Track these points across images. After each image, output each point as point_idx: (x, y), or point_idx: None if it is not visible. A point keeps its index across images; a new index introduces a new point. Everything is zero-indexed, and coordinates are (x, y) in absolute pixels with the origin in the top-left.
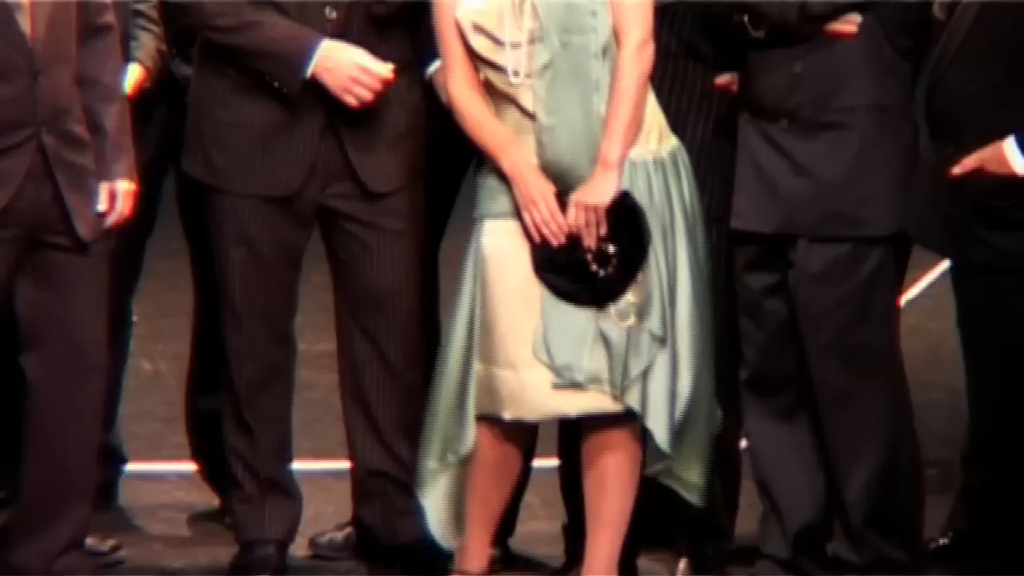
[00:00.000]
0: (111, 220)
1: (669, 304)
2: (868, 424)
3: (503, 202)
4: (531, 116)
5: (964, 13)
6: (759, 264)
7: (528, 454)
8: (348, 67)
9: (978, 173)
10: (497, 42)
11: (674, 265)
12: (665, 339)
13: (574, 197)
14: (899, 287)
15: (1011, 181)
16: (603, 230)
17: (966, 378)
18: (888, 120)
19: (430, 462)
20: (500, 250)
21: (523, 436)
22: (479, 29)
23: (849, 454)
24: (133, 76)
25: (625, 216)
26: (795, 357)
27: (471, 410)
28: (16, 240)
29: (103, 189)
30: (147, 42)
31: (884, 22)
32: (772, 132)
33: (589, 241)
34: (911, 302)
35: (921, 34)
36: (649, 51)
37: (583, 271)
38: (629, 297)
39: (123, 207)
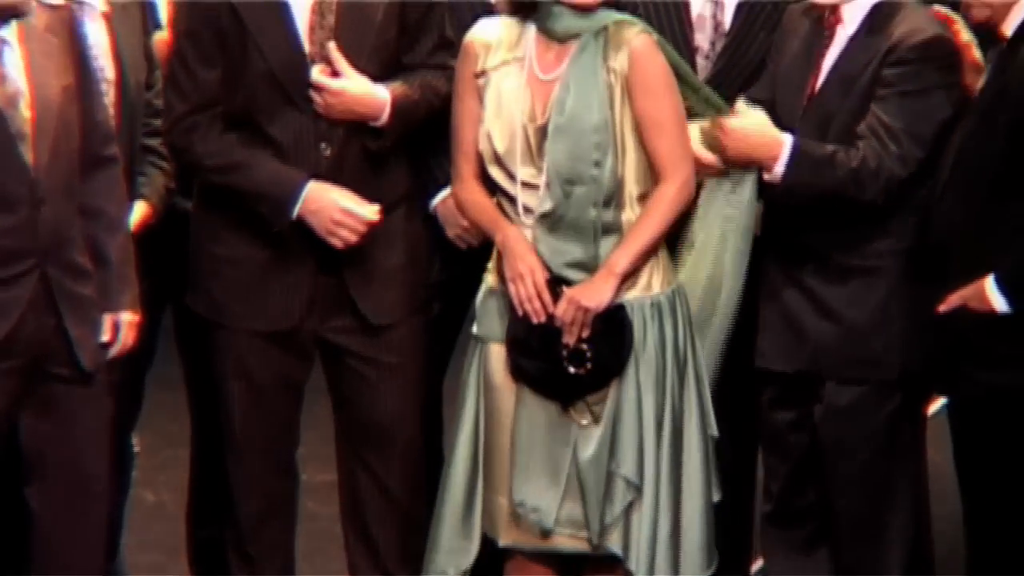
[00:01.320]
0: (114, 351)
1: (656, 448)
2: (890, 557)
3: (497, 321)
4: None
5: (952, 145)
6: (783, 400)
7: None
8: (333, 210)
9: (963, 310)
10: (510, 175)
11: (661, 413)
12: (640, 486)
13: (569, 292)
14: (924, 419)
15: (996, 318)
16: (586, 332)
17: (963, 510)
18: (916, 262)
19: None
20: (505, 378)
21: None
22: (497, 159)
23: None
24: (139, 213)
25: (612, 327)
26: (817, 489)
27: (477, 524)
28: (18, 371)
29: (106, 320)
30: (155, 179)
31: None
32: (799, 275)
33: (569, 339)
34: None
35: None
36: (690, 190)
37: (554, 363)
38: (590, 399)
39: (126, 338)
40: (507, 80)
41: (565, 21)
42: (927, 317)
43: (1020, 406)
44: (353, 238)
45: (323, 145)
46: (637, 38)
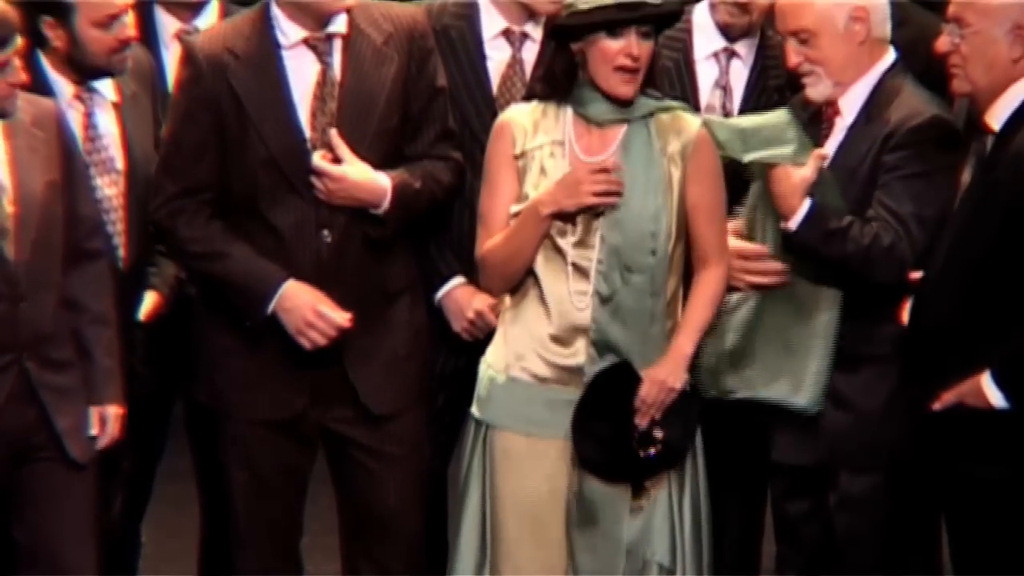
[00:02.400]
0: (102, 443)
1: (681, 530)
2: None
3: (511, 409)
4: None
5: (943, 237)
6: (797, 491)
7: None
8: (306, 310)
9: (958, 407)
10: (556, 248)
11: (679, 501)
12: (674, 571)
13: (652, 374)
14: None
15: (990, 416)
16: (658, 414)
17: None
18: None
19: None
20: (513, 464)
21: None
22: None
23: None
24: (149, 303)
25: (681, 409)
26: None
27: None
28: (4, 461)
29: (93, 413)
30: (165, 268)
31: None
32: None
33: (642, 420)
34: None
35: None
36: (728, 277)
37: (623, 447)
38: (652, 484)
39: (113, 430)
40: (550, 161)
41: (604, 109)
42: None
43: (1015, 502)
44: (322, 340)
45: (324, 232)
46: (697, 127)
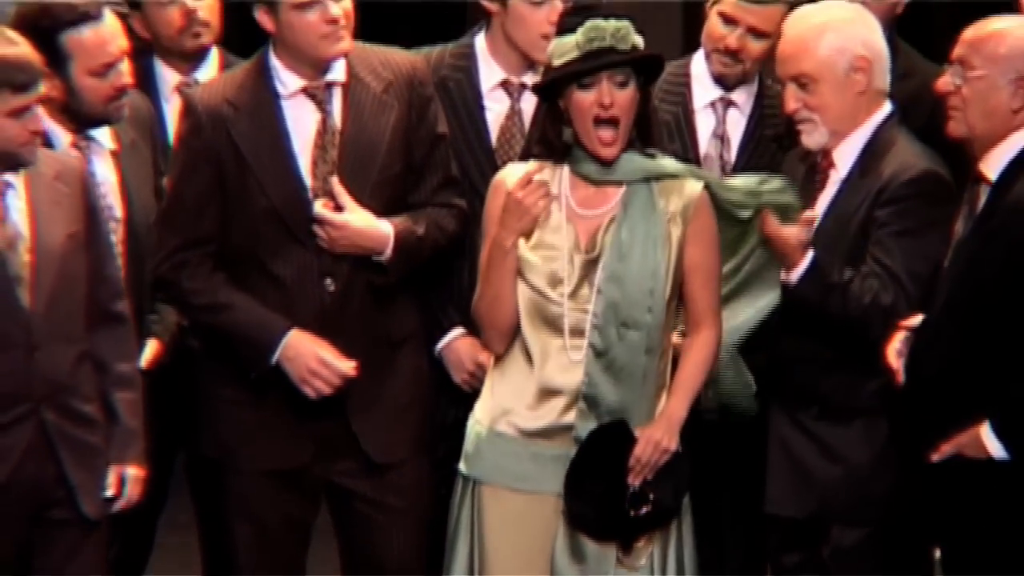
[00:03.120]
0: (119, 505)
1: None
2: None
3: (497, 464)
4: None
5: (939, 287)
6: (791, 543)
7: None
8: (310, 358)
9: (957, 458)
10: (548, 300)
11: (663, 559)
12: None
13: (647, 433)
14: (932, 560)
15: (988, 470)
16: (650, 475)
17: None
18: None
19: None
20: (501, 519)
21: None
22: (531, 286)
23: None
24: (150, 351)
25: (672, 469)
26: None
27: None
28: (21, 517)
29: (112, 472)
30: (166, 316)
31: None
32: (803, 419)
33: (634, 480)
34: None
35: None
36: (721, 340)
37: (614, 506)
38: (641, 543)
39: (131, 493)
40: (545, 216)
41: (595, 169)
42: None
43: (1015, 555)
44: (327, 389)
45: (327, 281)
46: (700, 190)
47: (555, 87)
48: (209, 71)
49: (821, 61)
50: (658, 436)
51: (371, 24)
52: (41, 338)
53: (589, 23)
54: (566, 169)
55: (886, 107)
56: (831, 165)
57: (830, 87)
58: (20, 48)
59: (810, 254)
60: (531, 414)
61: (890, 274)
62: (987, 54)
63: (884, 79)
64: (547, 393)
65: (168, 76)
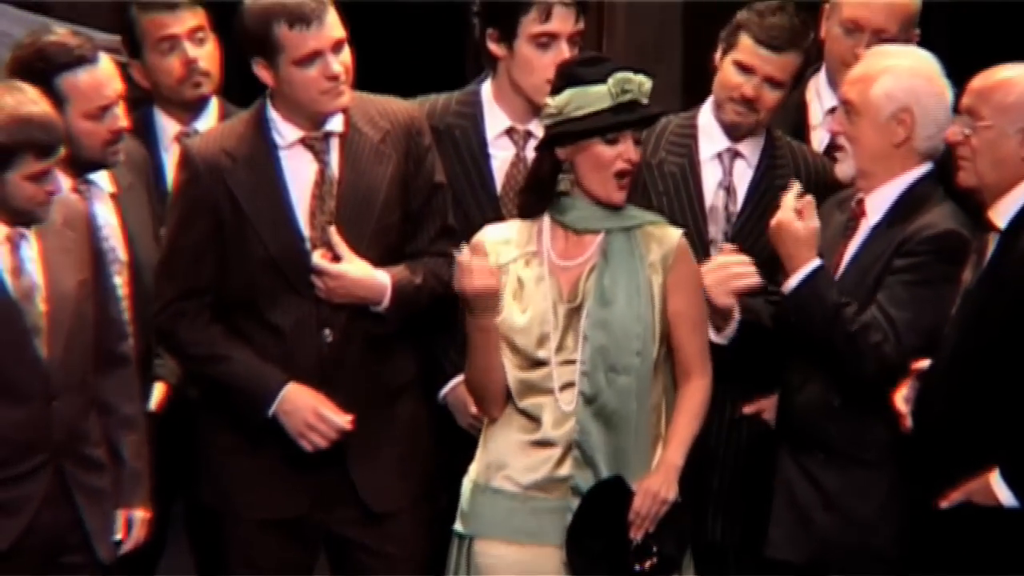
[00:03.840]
0: (127, 547)
1: None
2: None
3: (495, 520)
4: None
5: (947, 334)
6: None
7: None
8: (307, 412)
9: (967, 505)
10: (532, 358)
11: None
12: None
13: (645, 486)
14: None
15: (998, 518)
16: (651, 527)
17: None
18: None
19: None
20: (500, 572)
21: None
22: (515, 349)
23: None
24: (158, 393)
25: (674, 520)
26: None
27: None
28: (36, 564)
29: (120, 516)
30: (171, 361)
31: None
32: (808, 464)
33: (636, 533)
34: None
35: None
36: (712, 387)
37: (618, 561)
38: None
39: (138, 534)
40: (527, 270)
41: (588, 216)
42: (924, 512)
43: None
44: (323, 443)
45: (325, 331)
46: (679, 238)
47: (569, 137)
48: (209, 121)
49: (869, 98)
50: (656, 487)
51: (370, 71)
52: (57, 388)
53: (620, 75)
54: (545, 223)
55: (925, 166)
56: (863, 213)
57: (869, 126)
58: (44, 108)
59: (817, 259)
60: (526, 468)
61: (886, 316)
62: (995, 104)
63: (930, 142)
64: (541, 445)
65: (168, 126)
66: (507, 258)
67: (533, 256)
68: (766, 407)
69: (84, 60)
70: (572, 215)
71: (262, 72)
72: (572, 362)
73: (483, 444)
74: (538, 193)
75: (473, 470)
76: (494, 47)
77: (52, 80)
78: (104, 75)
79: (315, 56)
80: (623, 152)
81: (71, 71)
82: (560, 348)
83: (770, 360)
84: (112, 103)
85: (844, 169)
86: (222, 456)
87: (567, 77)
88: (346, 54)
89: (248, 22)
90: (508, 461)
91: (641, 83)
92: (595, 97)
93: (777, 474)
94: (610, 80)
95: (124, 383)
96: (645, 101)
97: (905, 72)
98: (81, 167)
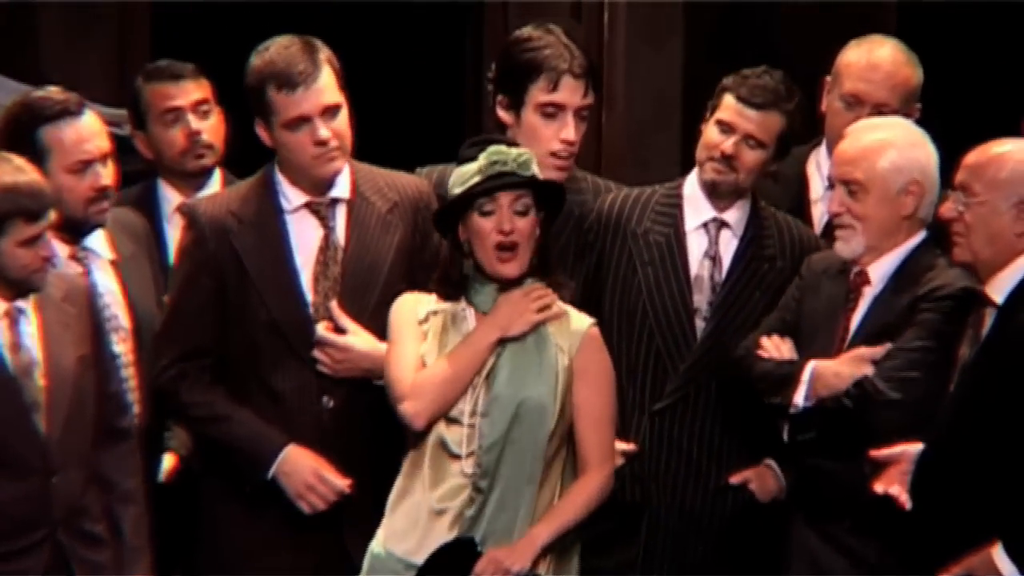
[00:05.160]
0: None
1: None
2: None
3: None
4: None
5: (945, 407)
6: None
7: None
8: (307, 473)
9: None
10: (450, 419)
11: None
12: None
13: (491, 552)
14: None
15: None
16: None
17: None
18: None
19: None
20: None
21: None
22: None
23: None
24: (168, 464)
25: None
26: None
27: None
28: None
29: None
30: (181, 432)
31: None
32: (835, 532)
33: None
34: None
35: None
36: (611, 486)
37: None
38: None
39: None
40: (451, 323)
41: (487, 301)
42: None
43: None
44: (322, 505)
45: (325, 398)
46: (589, 326)
47: (456, 216)
48: (212, 192)
49: (877, 174)
50: (502, 556)
51: (371, 140)
52: (57, 463)
53: (491, 148)
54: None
55: (924, 233)
56: (866, 281)
57: (878, 201)
58: (30, 176)
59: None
60: (419, 542)
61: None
62: (988, 179)
63: (930, 210)
64: (436, 514)
65: (171, 197)
66: (433, 310)
67: (460, 311)
68: (751, 477)
69: (68, 113)
70: (477, 299)
71: (261, 132)
72: (474, 434)
73: (391, 506)
74: (447, 280)
75: (379, 530)
76: (503, 114)
77: (36, 132)
78: (88, 130)
79: (303, 120)
80: (497, 223)
81: (54, 123)
82: (472, 416)
83: (756, 429)
84: (94, 158)
85: (851, 248)
86: (221, 525)
87: (459, 157)
88: (340, 120)
89: (247, 81)
90: (406, 529)
91: (517, 155)
92: (470, 174)
93: (795, 547)
94: (481, 155)
95: (124, 458)
96: (526, 172)
97: (905, 143)
98: (68, 228)
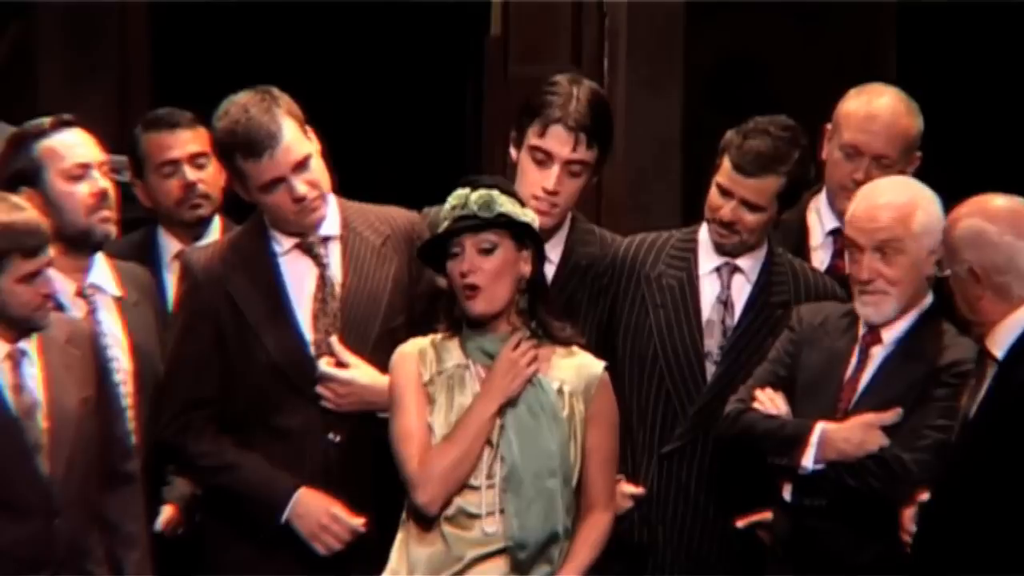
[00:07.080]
0: None
1: None
2: None
3: None
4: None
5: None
6: None
7: None
8: (321, 513)
9: None
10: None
11: None
12: None
13: None
14: None
15: None
16: None
17: None
18: None
19: None
20: None
21: None
22: None
23: None
24: (166, 514)
25: None
26: None
27: None
28: None
29: None
30: (179, 485)
31: None
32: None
33: None
34: None
35: None
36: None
37: None
38: None
39: None
40: (460, 383)
41: (475, 348)
42: None
43: None
44: (337, 544)
45: (331, 434)
46: (602, 371)
47: (439, 259)
48: (211, 240)
49: (914, 235)
50: None
51: (371, 179)
52: (60, 504)
53: (455, 192)
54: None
55: (931, 295)
56: (877, 340)
57: (911, 262)
58: (27, 213)
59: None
60: None
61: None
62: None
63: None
64: (455, 560)
65: (170, 245)
66: (437, 370)
67: (464, 368)
68: (758, 521)
69: (59, 124)
70: (469, 344)
71: (241, 192)
72: (493, 485)
73: (404, 540)
74: (449, 319)
75: (394, 560)
76: (511, 149)
77: (30, 149)
78: (80, 137)
79: (276, 182)
80: (460, 265)
81: (47, 136)
82: (488, 475)
83: (762, 476)
84: (90, 164)
85: (883, 314)
86: (231, 571)
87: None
88: (313, 169)
89: (214, 148)
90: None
91: (478, 197)
92: (441, 219)
93: None
94: (448, 200)
95: (128, 501)
96: (487, 213)
97: (929, 202)
98: (75, 243)
